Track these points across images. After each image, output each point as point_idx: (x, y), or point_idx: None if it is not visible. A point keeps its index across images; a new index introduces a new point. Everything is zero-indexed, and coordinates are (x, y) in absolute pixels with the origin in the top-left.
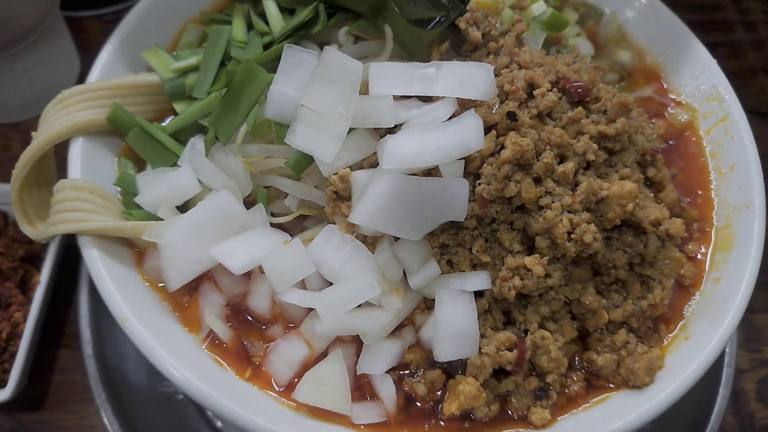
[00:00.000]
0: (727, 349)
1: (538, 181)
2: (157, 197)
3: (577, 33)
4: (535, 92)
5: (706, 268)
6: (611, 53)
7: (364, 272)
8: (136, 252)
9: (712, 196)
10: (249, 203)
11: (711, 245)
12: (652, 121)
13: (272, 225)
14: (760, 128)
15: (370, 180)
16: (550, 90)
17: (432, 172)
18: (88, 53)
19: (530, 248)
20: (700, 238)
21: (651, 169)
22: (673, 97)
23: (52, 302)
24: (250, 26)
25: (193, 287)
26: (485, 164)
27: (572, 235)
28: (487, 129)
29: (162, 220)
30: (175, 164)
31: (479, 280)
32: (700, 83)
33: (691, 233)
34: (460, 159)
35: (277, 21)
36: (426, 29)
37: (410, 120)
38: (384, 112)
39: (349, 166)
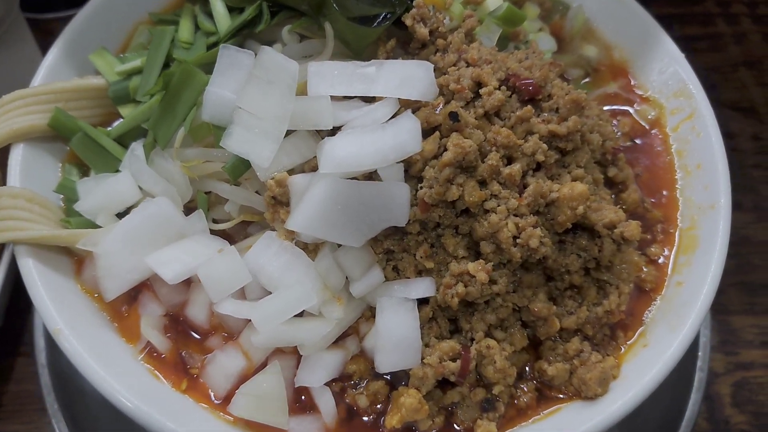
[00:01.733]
0: (699, 353)
1: (483, 183)
2: (97, 204)
3: (540, 28)
4: (481, 91)
5: (669, 272)
6: (577, 48)
7: (302, 281)
8: (76, 261)
9: (678, 195)
10: (192, 209)
11: (675, 247)
12: (617, 118)
13: (214, 232)
14: (740, 123)
15: (309, 184)
16: (498, 88)
17: (374, 175)
18: None
19: (477, 253)
20: (663, 240)
21: (612, 168)
22: (640, 93)
23: (10, 311)
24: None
25: (132, 296)
26: (428, 167)
27: (518, 240)
28: (431, 130)
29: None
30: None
31: (423, 287)
32: (668, 78)
33: (655, 235)
34: (400, 162)
35: (224, 20)
36: (371, 26)
37: (350, 121)
38: (322, 114)
39: (292, 170)
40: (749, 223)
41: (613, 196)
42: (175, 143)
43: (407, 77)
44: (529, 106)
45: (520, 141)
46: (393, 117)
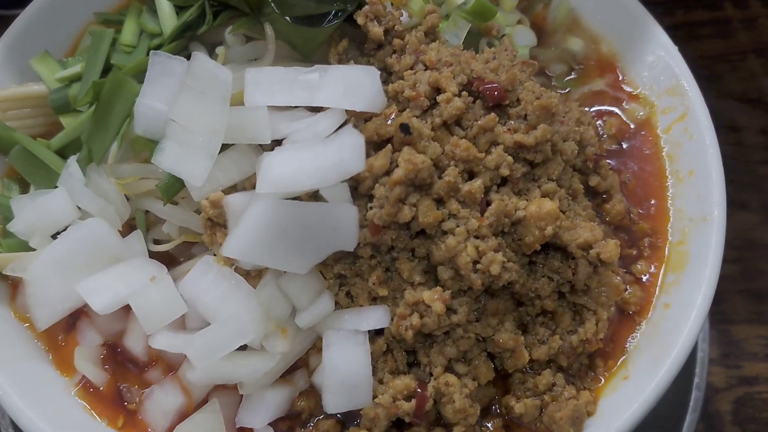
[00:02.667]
0: (696, 370)
1: (441, 201)
2: (31, 224)
3: (518, 20)
4: (438, 98)
5: (656, 292)
6: (561, 42)
7: (241, 313)
8: (11, 285)
9: (668, 205)
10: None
11: (663, 264)
12: (603, 118)
13: (156, 253)
14: (748, 116)
15: (248, 205)
16: (459, 94)
17: (318, 194)
18: None
19: (437, 278)
20: (651, 255)
21: (594, 177)
22: (629, 90)
23: None
24: None
25: (70, 324)
26: (378, 185)
27: (478, 266)
28: (383, 143)
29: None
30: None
31: (375, 318)
32: (659, 73)
33: (641, 250)
34: (346, 180)
35: (169, 21)
36: (320, 26)
37: (291, 134)
38: (259, 126)
39: (233, 187)
40: (756, 225)
41: (595, 207)
42: (108, 159)
43: (352, 85)
44: (492, 114)
45: (480, 154)
46: (341, 127)
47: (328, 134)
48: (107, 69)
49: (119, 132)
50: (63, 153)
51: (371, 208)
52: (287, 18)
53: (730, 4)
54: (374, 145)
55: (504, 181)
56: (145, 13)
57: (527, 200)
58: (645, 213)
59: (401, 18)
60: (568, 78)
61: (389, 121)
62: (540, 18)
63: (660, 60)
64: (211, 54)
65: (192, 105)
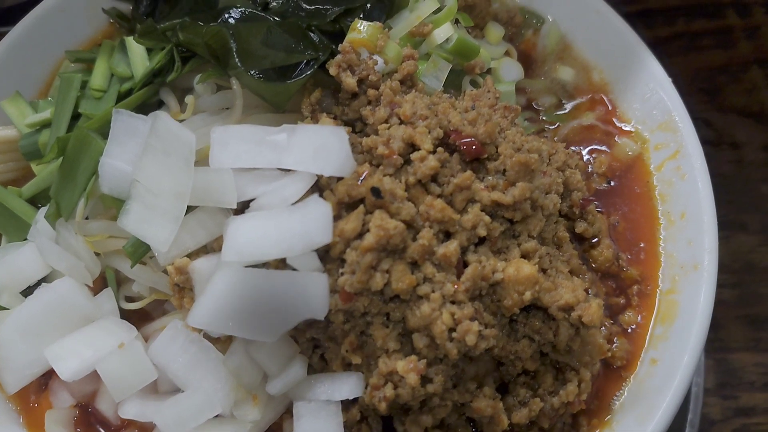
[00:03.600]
0: (690, 405)
1: (416, 264)
2: (0, 282)
3: (506, 51)
4: (412, 156)
5: (644, 345)
6: (550, 71)
7: (209, 381)
8: None
9: (659, 250)
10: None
11: (654, 314)
12: (593, 155)
13: (128, 310)
14: (749, 131)
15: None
16: (434, 150)
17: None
18: None
19: (413, 343)
20: (639, 304)
21: (580, 223)
22: (620, 125)
23: None
24: None
25: (42, 384)
26: (349, 249)
27: (453, 334)
28: (355, 204)
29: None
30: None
31: (348, 387)
32: (653, 107)
33: (629, 299)
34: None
35: (140, 64)
36: (291, 78)
37: (258, 198)
38: (224, 189)
39: (204, 247)
40: (756, 247)
41: (582, 252)
42: (76, 215)
43: (321, 147)
44: (468, 173)
45: (456, 215)
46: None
47: (295, 200)
48: (78, 116)
49: (86, 189)
50: (35, 201)
51: (342, 273)
52: (253, 73)
53: (732, 11)
54: (346, 206)
55: (482, 240)
56: (116, 53)
57: (506, 259)
58: (634, 258)
59: (376, 66)
60: (558, 113)
61: (360, 181)
62: (529, 45)
63: (653, 93)
64: (182, 101)
65: (156, 166)
